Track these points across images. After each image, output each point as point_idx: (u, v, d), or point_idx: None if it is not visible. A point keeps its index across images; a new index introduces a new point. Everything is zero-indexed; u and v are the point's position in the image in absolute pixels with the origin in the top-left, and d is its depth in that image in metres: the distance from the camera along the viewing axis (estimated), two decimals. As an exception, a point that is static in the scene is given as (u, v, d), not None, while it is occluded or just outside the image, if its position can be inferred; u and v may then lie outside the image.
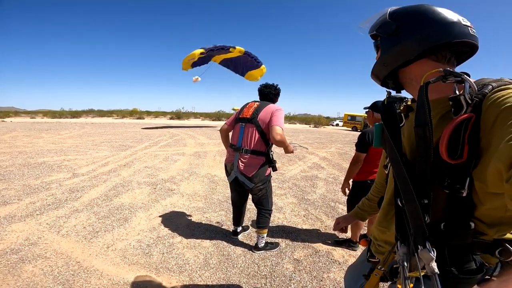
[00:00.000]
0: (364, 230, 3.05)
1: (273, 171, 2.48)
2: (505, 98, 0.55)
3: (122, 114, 37.48)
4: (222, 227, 3.15)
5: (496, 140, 0.53)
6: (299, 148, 4.59)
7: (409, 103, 0.87)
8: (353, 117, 32.20)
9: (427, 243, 0.63)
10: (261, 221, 2.55)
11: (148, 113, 41.06)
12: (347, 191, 2.66)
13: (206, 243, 2.78)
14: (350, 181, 2.65)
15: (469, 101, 0.59)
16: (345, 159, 8.44)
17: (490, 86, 0.60)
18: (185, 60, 12.35)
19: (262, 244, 2.62)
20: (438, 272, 0.59)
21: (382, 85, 0.86)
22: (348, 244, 2.81)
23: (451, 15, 0.68)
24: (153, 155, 7.77)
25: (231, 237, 2.90)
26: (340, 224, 1.29)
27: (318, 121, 36.50)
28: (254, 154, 2.31)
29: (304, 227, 3.28)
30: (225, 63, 14.19)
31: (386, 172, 0.95)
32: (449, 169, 0.61)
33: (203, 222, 3.30)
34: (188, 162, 6.90)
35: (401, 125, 0.82)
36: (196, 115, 42.18)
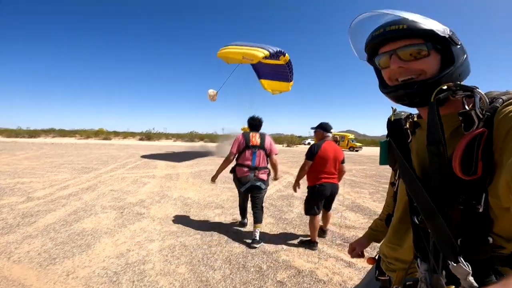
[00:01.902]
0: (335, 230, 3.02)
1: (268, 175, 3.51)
2: None
3: (86, 134, 35.27)
4: (197, 252, 2.94)
5: (507, 155, 0.53)
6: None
7: (415, 119, 0.86)
8: None
9: (460, 257, 0.58)
10: (259, 217, 3.35)
11: (116, 134, 39.13)
12: (298, 189, 3.34)
13: (182, 269, 2.56)
14: (306, 185, 3.28)
15: (480, 116, 0.58)
16: (318, 180, 8.56)
17: (501, 100, 0.59)
18: (236, 54, 9.37)
19: (257, 238, 3.20)
20: (478, 286, 0.55)
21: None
22: (308, 244, 3.18)
23: None
24: (120, 177, 7.29)
25: (209, 262, 2.70)
26: (356, 250, 1.19)
27: (291, 141, 36.87)
28: (265, 168, 3.39)
29: (284, 247, 3.17)
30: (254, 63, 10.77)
31: (394, 189, 0.93)
32: (463, 185, 0.59)
33: (177, 246, 3.06)
34: (159, 185, 6.55)
35: (408, 141, 0.81)
36: (167, 136, 40.98)
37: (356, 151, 29.63)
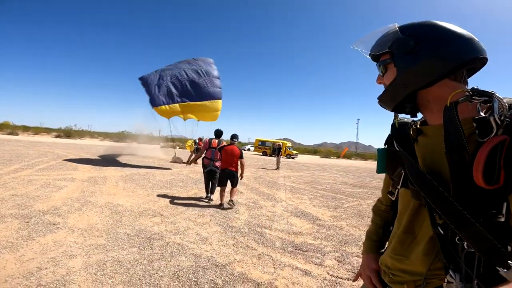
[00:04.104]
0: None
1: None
2: None
3: (-14, 128, 29.26)
4: (136, 268, 2.44)
5: None
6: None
7: (418, 126, 0.82)
8: (263, 142, 34.29)
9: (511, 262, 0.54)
10: (214, 188, 5.68)
11: (25, 129, 33.22)
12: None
13: (114, 291, 2.06)
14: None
15: (499, 122, 0.56)
16: (261, 183, 8.60)
17: None
18: (193, 113, 11.11)
19: (212, 197, 5.68)
20: None
21: (394, 110, 0.80)
22: (219, 206, 5.09)
23: (464, 31, 0.66)
24: (26, 180, 5.94)
25: (152, 281, 2.26)
26: (373, 277, 0.96)
27: (232, 146, 36.99)
28: (218, 160, 5.54)
29: (237, 257, 2.90)
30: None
31: (393, 198, 0.90)
32: (482, 194, 0.57)
33: (109, 263, 2.50)
34: (79, 189, 5.53)
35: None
36: (92, 134, 36.35)
37: (293, 158, 30.92)
